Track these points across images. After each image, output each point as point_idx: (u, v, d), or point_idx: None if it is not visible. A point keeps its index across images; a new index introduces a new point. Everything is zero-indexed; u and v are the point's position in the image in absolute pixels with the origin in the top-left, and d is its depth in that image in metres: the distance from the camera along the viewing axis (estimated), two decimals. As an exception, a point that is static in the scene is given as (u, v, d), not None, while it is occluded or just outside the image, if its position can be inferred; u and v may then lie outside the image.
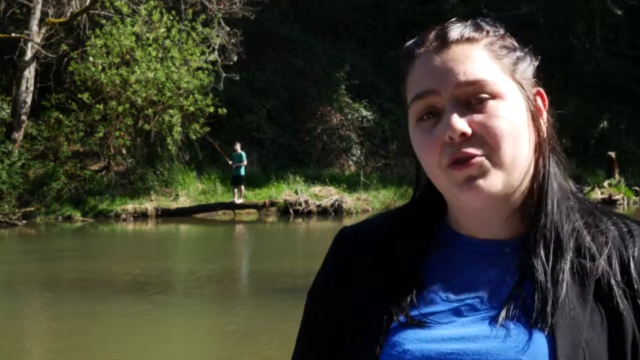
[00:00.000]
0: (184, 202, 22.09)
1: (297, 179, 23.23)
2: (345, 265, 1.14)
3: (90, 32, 21.75)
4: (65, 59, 21.69)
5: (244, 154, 22.00)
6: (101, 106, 21.52)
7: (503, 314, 1.01)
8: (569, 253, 1.04)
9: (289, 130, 26.23)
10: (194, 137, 22.48)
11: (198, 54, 22.34)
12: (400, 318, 1.04)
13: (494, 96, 1.03)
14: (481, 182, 1.02)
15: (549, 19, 32.26)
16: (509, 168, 1.03)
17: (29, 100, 21.61)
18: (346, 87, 27.79)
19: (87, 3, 22.29)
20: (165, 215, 21.00)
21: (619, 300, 1.01)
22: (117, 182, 21.96)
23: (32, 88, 21.71)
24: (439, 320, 1.03)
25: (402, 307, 1.05)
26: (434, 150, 1.04)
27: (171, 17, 21.91)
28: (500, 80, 1.04)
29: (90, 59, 21.32)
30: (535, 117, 1.08)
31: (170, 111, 22.03)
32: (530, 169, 1.07)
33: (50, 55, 21.40)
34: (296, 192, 22.23)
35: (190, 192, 22.51)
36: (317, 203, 21.75)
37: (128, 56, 21.72)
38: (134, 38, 21.65)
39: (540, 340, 0.98)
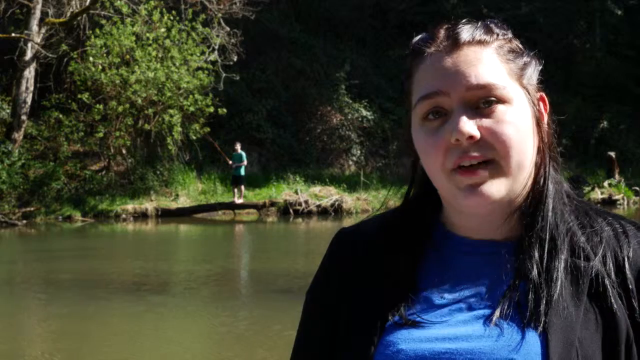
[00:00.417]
0: (184, 202, 22.09)
1: (297, 179, 23.23)
2: (342, 266, 1.14)
3: (90, 32, 21.75)
4: (65, 59, 21.69)
5: (244, 154, 22.01)
6: (101, 106, 21.52)
7: (497, 313, 1.01)
8: (563, 253, 1.04)
9: (289, 130, 26.23)
10: (194, 137, 22.48)
11: (198, 54, 22.34)
12: (395, 318, 1.05)
13: (502, 101, 1.04)
14: (485, 188, 1.02)
15: (549, 19, 32.25)
16: (514, 174, 1.04)
17: (29, 100, 21.61)
18: (346, 87, 27.79)
19: (87, 3, 22.28)
20: (165, 215, 21.00)
21: (613, 300, 1.01)
22: (117, 182, 21.96)
23: (32, 88, 21.71)
24: (433, 320, 1.04)
25: (397, 307, 1.06)
26: (439, 152, 1.04)
27: (171, 17, 21.91)
28: (509, 85, 1.05)
29: (90, 59, 21.32)
30: (539, 122, 1.08)
31: (170, 111, 22.03)
32: (532, 173, 1.08)
33: (50, 55, 21.39)
34: (296, 192, 22.23)
35: (190, 192, 22.51)
36: (317, 203, 21.75)
37: (128, 56, 21.71)
38: (134, 38, 21.64)
39: (533, 339, 0.99)
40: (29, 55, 21.53)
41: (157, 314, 8.56)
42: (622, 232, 1.07)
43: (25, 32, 21.38)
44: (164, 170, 22.56)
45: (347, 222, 18.93)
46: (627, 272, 1.03)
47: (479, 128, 1.02)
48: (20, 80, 21.50)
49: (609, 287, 1.02)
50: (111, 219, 20.51)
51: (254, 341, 7.31)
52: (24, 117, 21.50)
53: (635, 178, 25.71)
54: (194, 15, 22.28)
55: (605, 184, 24.11)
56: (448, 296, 1.06)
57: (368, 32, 30.30)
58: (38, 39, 21.51)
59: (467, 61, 1.04)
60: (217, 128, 23.57)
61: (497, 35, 1.07)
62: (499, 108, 1.03)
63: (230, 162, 22.07)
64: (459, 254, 1.10)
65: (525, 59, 1.09)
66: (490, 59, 1.05)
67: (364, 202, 21.99)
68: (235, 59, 23.20)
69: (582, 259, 1.04)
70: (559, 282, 1.02)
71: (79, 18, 22.41)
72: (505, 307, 1.02)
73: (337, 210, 21.61)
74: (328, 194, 22.22)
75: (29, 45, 21.42)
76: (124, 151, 22.36)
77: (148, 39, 21.80)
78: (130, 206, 21.14)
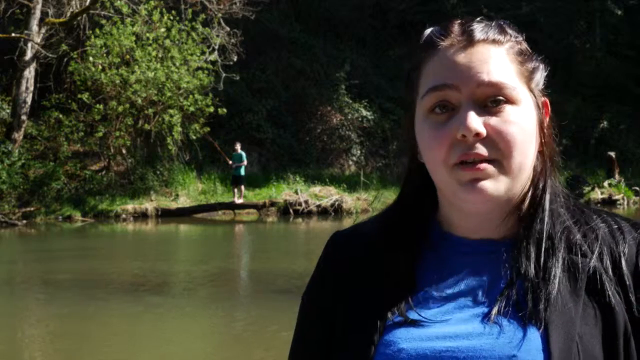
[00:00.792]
0: (184, 202, 22.09)
1: (297, 179, 23.23)
2: (338, 268, 1.15)
3: (90, 32, 21.75)
4: (65, 59, 21.68)
5: (244, 154, 22.01)
6: (101, 106, 21.52)
7: (494, 310, 1.02)
8: (560, 251, 1.06)
9: (289, 130, 26.23)
10: (194, 137, 22.48)
11: (198, 54, 22.34)
12: (395, 317, 1.05)
13: (511, 101, 1.05)
14: (486, 184, 1.03)
15: (549, 19, 32.26)
16: (515, 174, 1.05)
17: (29, 100, 21.61)
18: (346, 87, 27.79)
19: (87, 3, 22.28)
20: (165, 215, 21.00)
21: (611, 295, 1.03)
22: (117, 182, 21.96)
23: (32, 88, 21.71)
24: (433, 319, 1.04)
25: (397, 306, 1.06)
26: (443, 146, 1.04)
27: (171, 17, 21.91)
28: (518, 86, 1.06)
29: (90, 59, 21.32)
30: (541, 126, 1.10)
31: (170, 111, 22.04)
32: (531, 175, 1.09)
33: (50, 55, 21.39)
34: (296, 192, 22.22)
35: (190, 192, 22.51)
36: (317, 203, 21.75)
37: (128, 56, 21.71)
38: (134, 38, 21.64)
39: (533, 335, 1.00)
40: (29, 55, 21.53)
41: (157, 314, 8.56)
42: (618, 229, 1.09)
43: (25, 32, 21.37)
44: (164, 170, 22.56)
45: (347, 222, 18.93)
46: (624, 267, 1.05)
47: (486, 126, 1.03)
48: (20, 80, 21.50)
49: (606, 282, 1.03)
50: (111, 219, 20.51)
51: (252, 341, 7.31)
52: (24, 117, 21.51)
53: (635, 178, 25.71)
54: (194, 15, 22.28)
55: (605, 184, 24.10)
56: (447, 296, 1.07)
57: (368, 32, 30.30)
58: (38, 39, 21.51)
59: (481, 58, 1.05)
60: (217, 128, 23.57)
61: (510, 36, 1.08)
62: (507, 108, 1.04)
63: (230, 162, 22.07)
64: (457, 254, 1.10)
65: (535, 63, 1.10)
66: (502, 59, 1.06)
67: (364, 202, 21.99)
68: (235, 59, 23.20)
69: (579, 255, 1.06)
70: (557, 280, 1.03)
71: (79, 18, 22.41)
72: (504, 305, 1.02)
73: (337, 211, 21.61)
74: (328, 194, 22.21)
75: (29, 45, 21.42)
76: (124, 151, 22.36)
77: (148, 39, 21.79)
78: (130, 206, 21.14)
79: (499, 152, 1.03)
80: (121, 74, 21.36)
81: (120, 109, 21.48)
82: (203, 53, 22.55)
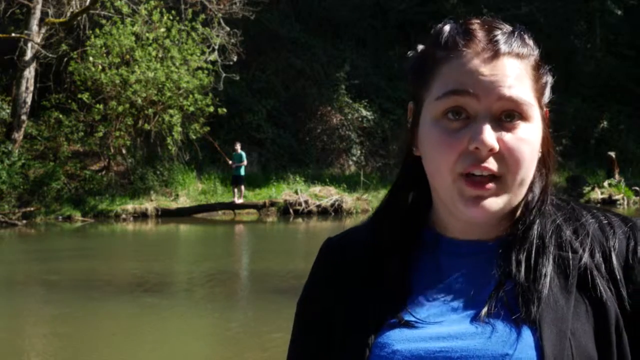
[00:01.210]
0: (184, 202, 22.09)
1: (297, 179, 23.23)
2: (332, 272, 1.15)
3: (90, 32, 21.74)
4: (65, 59, 21.68)
5: (244, 154, 22.01)
6: (101, 106, 21.52)
7: (484, 310, 1.03)
8: (550, 248, 1.06)
9: (289, 130, 26.23)
10: (194, 137, 22.48)
11: (198, 54, 22.34)
12: (389, 319, 1.06)
13: (524, 118, 1.04)
14: (488, 202, 1.03)
15: (549, 19, 32.24)
16: (516, 189, 1.05)
17: (29, 100, 21.61)
18: (346, 87, 27.78)
19: (87, 3, 22.27)
20: (165, 215, 21.00)
21: (602, 290, 1.03)
22: (117, 182, 21.95)
23: (32, 88, 21.70)
24: (427, 320, 1.05)
25: (391, 309, 1.07)
26: (453, 154, 1.03)
27: (171, 17, 21.90)
28: (533, 103, 1.06)
29: (90, 59, 21.32)
30: (544, 139, 1.10)
31: (170, 111, 22.04)
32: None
33: (50, 55, 21.39)
34: (296, 192, 22.22)
35: (190, 192, 22.51)
36: (317, 203, 21.75)
37: (128, 56, 21.71)
38: (134, 38, 21.64)
39: (526, 333, 1.00)
40: (29, 55, 21.52)
41: (156, 314, 8.56)
42: (608, 224, 1.09)
43: (25, 32, 21.37)
44: (164, 170, 22.55)
45: (347, 222, 18.94)
46: (614, 262, 1.05)
47: (499, 141, 1.02)
48: (20, 80, 21.50)
49: (597, 278, 1.04)
50: (111, 219, 20.51)
51: (251, 342, 7.31)
52: (24, 117, 21.50)
53: (635, 178, 25.71)
54: (193, 15, 22.28)
55: (605, 184, 24.09)
56: (440, 297, 1.07)
57: (368, 32, 30.29)
58: (38, 39, 21.50)
59: (504, 72, 1.04)
60: (217, 128, 23.57)
61: (531, 49, 1.08)
62: (521, 125, 1.04)
63: (230, 162, 22.07)
64: (450, 255, 1.10)
65: (547, 77, 1.10)
66: (522, 74, 1.05)
67: (364, 202, 21.99)
68: (235, 59, 23.20)
69: (569, 252, 1.06)
70: (548, 278, 1.03)
71: (79, 18, 22.40)
72: (495, 305, 1.03)
73: (337, 211, 21.61)
74: (328, 194, 22.21)
75: (29, 45, 21.41)
76: (124, 151, 22.36)
77: (148, 39, 21.79)
78: (130, 206, 21.14)
79: (506, 167, 1.03)
80: (121, 74, 21.36)
81: (120, 109, 21.48)
82: (203, 53, 22.55)
